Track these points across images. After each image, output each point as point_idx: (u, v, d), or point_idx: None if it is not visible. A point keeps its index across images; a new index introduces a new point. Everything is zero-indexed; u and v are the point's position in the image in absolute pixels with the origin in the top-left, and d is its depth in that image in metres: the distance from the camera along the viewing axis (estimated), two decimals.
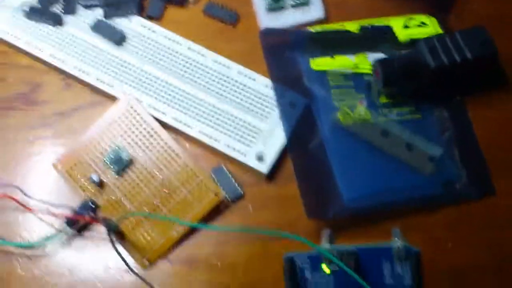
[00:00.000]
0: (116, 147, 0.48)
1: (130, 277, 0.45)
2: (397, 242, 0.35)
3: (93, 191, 0.47)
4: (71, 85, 0.53)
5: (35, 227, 0.47)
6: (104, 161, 0.47)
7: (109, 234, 0.44)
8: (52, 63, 0.51)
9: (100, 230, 0.47)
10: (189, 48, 0.52)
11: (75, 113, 0.51)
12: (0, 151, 0.50)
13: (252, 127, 0.49)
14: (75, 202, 0.46)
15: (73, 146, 0.48)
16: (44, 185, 0.48)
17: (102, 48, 0.52)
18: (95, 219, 0.45)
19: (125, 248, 0.46)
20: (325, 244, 0.36)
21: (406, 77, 0.48)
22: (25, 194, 0.47)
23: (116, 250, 0.44)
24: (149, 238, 0.46)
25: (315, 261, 0.38)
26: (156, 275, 0.45)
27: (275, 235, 0.37)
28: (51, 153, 0.49)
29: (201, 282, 0.45)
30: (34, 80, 0.52)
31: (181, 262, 0.46)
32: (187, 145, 0.49)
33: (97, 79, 0.51)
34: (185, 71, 0.51)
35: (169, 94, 0.50)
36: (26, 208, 0.46)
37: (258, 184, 0.49)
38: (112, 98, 0.50)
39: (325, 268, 0.37)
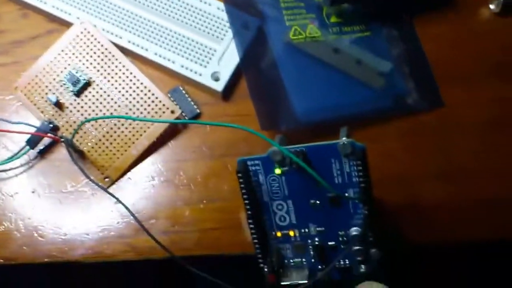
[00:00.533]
0: (73, 69, 0.49)
1: (92, 195, 0.48)
2: (342, 139, 0.36)
3: (52, 113, 0.48)
4: (28, 15, 0.53)
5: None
6: (62, 82, 0.49)
7: (68, 150, 0.46)
8: None
9: (61, 152, 0.48)
10: None
11: (33, 41, 0.52)
12: None
13: (207, 48, 0.51)
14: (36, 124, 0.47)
15: (31, 70, 0.49)
16: (5, 109, 0.50)
17: None
18: (54, 136, 0.47)
19: (85, 167, 0.47)
20: (274, 148, 0.37)
21: None
22: None
23: (77, 165, 0.45)
24: (109, 156, 0.48)
25: (268, 164, 0.39)
26: (117, 192, 0.47)
27: (239, 128, 0.39)
28: (11, 80, 0.50)
29: (163, 196, 0.47)
30: None
31: (141, 179, 0.48)
32: (144, 68, 0.50)
33: (53, 7, 0.52)
34: None
35: (124, 19, 0.52)
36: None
37: (215, 103, 0.50)
38: (69, 25, 0.51)
39: (276, 170, 0.38)
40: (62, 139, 0.46)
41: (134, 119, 0.47)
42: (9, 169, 0.48)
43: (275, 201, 0.40)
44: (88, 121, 0.47)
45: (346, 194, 0.38)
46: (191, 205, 0.47)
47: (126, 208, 0.44)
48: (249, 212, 0.39)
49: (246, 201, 0.38)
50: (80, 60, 0.49)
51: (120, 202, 0.44)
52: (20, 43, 0.52)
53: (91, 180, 0.45)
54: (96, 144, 0.48)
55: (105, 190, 0.45)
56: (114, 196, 0.45)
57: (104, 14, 0.51)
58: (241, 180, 0.38)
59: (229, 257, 0.46)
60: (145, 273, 0.57)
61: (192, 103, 0.50)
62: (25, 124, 0.47)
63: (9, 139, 0.48)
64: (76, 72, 0.49)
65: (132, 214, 0.44)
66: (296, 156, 0.36)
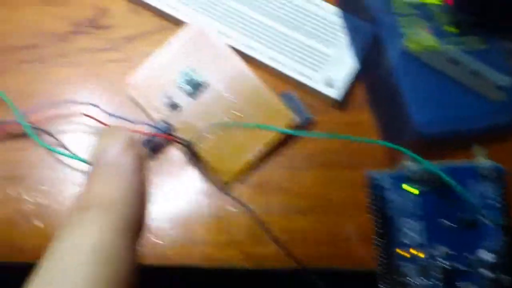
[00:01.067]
0: (189, 69, 0.48)
1: (207, 198, 0.47)
2: (482, 160, 0.35)
3: (166, 113, 0.48)
4: (137, 11, 0.53)
5: None
6: (177, 83, 0.48)
7: (188, 153, 0.46)
8: None
9: (173, 153, 0.48)
10: None
11: (143, 38, 0.52)
12: (72, 72, 0.51)
13: (320, 53, 0.50)
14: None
15: (144, 68, 0.49)
16: (118, 106, 0.49)
17: None
18: (174, 138, 0.46)
19: (200, 170, 0.47)
20: (410, 164, 0.36)
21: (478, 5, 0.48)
22: (104, 112, 0.47)
23: (196, 167, 0.46)
24: (225, 160, 0.47)
25: (398, 181, 0.38)
26: (230, 200, 0.45)
27: (372, 143, 0.36)
28: (122, 75, 0.50)
29: (279, 204, 0.46)
30: (99, 5, 0.53)
31: (256, 185, 0.47)
32: (255, 71, 0.49)
33: (163, 3, 0.51)
34: None
35: (237, 20, 0.51)
36: (104, 124, 0.46)
37: (328, 111, 0.50)
38: (180, 23, 0.51)
39: (410, 188, 0.38)
40: (185, 143, 0.45)
41: (260, 127, 0.47)
42: None
43: (405, 219, 0.39)
44: (216, 125, 0.47)
45: (482, 217, 0.37)
46: (302, 215, 0.47)
47: (249, 210, 0.44)
48: (378, 229, 0.39)
49: (376, 218, 0.38)
50: (194, 61, 0.49)
51: (244, 205, 0.44)
52: (131, 39, 0.52)
53: (211, 182, 0.46)
54: (212, 147, 0.47)
55: (228, 194, 0.45)
56: (238, 200, 0.45)
57: (217, 15, 0.51)
58: (372, 196, 0.38)
59: (338, 272, 0.45)
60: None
61: (305, 109, 0.49)
62: (141, 123, 0.46)
63: None
64: (191, 73, 0.48)
65: (259, 220, 0.44)
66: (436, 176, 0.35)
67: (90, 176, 0.28)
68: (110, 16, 0.53)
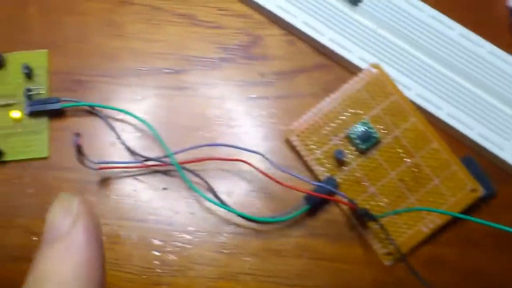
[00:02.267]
0: (365, 122, 0.44)
1: (371, 272, 0.42)
2: None
3: (330, 166, 0.43)
4: (294, 43, 0.48)
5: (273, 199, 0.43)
6: (348, 135, 0.43)
7: (358, 220, 0.42)
8: (278, 14, 0.47)
9: (333, 211, 0.44)
10: (432, 17, 0.48)
11: (299, 75, 0.47)
12: (217, 105, 0.47)
13: None
14: (303, 174, 0.43)
15: (308, 113, 0.44)
16: (273, 153, 0.44)
17: (337, 6, 0.47)
18: (343, 201, 0.42)
19: (367, 237, 0.43)
20: None
21: None
22: (266, 159, 0.42)
23: (363, 233, 0.42)
24: (393, 230, 0.42)
25: None
26: (395, 273, 0.42)
27: None
28: (276, 117, 0.46)
29: (449, 284, 0.42)
30: (252, 32, 0.48)
31: (423, 262, 0.43)
32: (435, 130, 0.44)
33: (330, 40, 0.46)
34: (429, 42, 0.46)
35: (411, 66, 0.46)
36: (266, 175, 0.41)
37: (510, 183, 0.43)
38: (341, 63, 0.46)
39: None
40: (360, 211, 0.41)
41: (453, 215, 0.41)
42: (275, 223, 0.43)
43: None
44: (418, 210, 0.43)
45: None
46: None
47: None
48: None
49: None
50: (369, 112, 0.44)
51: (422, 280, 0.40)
52: (283, 74, 0.47)
53: (377, 252, 0.42)
54: (379, 211, 0.43)
55: (417, 276, 0.40)
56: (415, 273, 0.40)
57: (387, 56, 0.46)
58: None
59: None
60: None
61: (488, 180, 0.43)
62: (307, 180, 0.42)
63: (286, 191, 0.43)
64: (368, 126, 0.43)
65: None
66: None
67: (39, 253, 0.27)
68: (263, 46, 0.48)
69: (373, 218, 0.40)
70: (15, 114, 0.44)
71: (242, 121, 0.45)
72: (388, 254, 0.42)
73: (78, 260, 0.27)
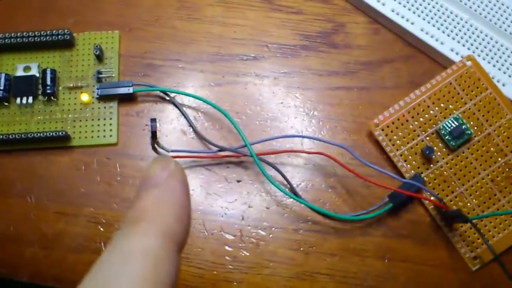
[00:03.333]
0: (457, 117, 0.41)
1: (456, 277, 0.40)
2: None
3: (416, 163, 0.41)
4: (379, 32, 0.46)
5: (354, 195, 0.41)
6: (438, 131, 0.41)
7: (447, 224, 0.40)
8: (364, 0, 0.45)
9: (417, 211, 0.41)
10: None
11: (384, 66, 0.45)
12: (300, 93, 0.45)
13: None
14: (387, 170, 0.40)
15: (394, 106, 0.42)
16: (354, 146, 0.42)
17: None
18: (441, 203, 0.39)
19: (452, 239, 0.40)
20: None
21: None
22: (350, 153, 0.40)
23: (448, 235, 0.40)
24: (482, 229, 0.40)
25: None
26: (482, 279, 0.39)
27: None
28: (357, 108, 0.44)
29: None
30: (335, 19, 0.46)
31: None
32: None
33: (421, 30, 0.44)
34: None
35: (506, 61, 0.44)
36: (349, 170, 0.39)
37: None
38: (430, 55, 0.44)
39: None
40: (452, 212, 0.39)
41: None
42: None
43: None
44: (499, 214, 0.40)
45: None
46: None
47: None
48: None
49: None
50: (460, 107, 0.42)
51: None
52: (367, 64, 0.45)
53: (465, 257, 0.39)
54: (469, 211, 0.40)
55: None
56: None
57: (486, 52, 0.44)
58: None
59: None
60: None
61: None
62: (389, 175, 0.39)
63: (367, 188, 0.41)
64: (461, 122, 0.41)
65: None
66: None
67: (139, 194, 0.28)
68: (346, 34, 0.46)
69: (466, 220, 0.38)
70: (84, 97, 0.42)
71: (322, 113, 0.43)
72: (475, 258, 0.40)
73: (173, 201, 0.28)
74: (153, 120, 0.36)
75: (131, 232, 0.26)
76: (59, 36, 0.43)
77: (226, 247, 0.39)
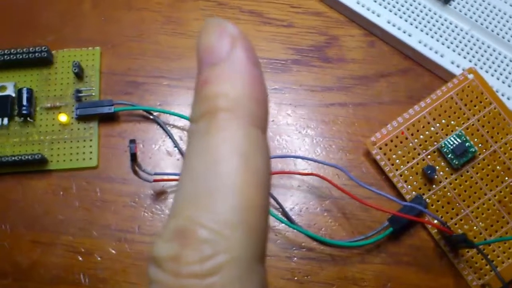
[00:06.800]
0: (460, 134, 0.39)
1: None
2: None
3: (417, 184, 0.39)
4: (375, 44, 0.44)
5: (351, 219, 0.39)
6: (440, 149, 0.40)
7: (452, 249, 0.38)
8: (358, 12, 0.43)
9: (419, 235, 0.39)
10: None
11: (380, 80, 0.43)
12: (292, 111, 0.43)
13: None
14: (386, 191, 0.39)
15: (392, 122, 0.40)
16: (350, 166, 0.41)
17: (425, 4, 0.43)
18: (445, 227, 0.37)
19: (457, 266, 0.38)
20: None
21: None
22: (346, 174, 0.38)
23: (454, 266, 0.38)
24: (489, 255, 0.38)
25: None
26: None
27: None
28: (353, 125, 0.42)
29: None
30: (328, 32, 0.45)
31: None
32: None
33: (419, 42, 0.43)
34: None
35: (510, 73, 0.42)
36: (346, 192, 0.37)
37: None
38: (432, 68, 0.43)
39: None
40: (456, 236, 0.37)
41: None
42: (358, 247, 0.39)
43: None
44: (508, 239, 0.38)
45: None
46: None
47: None
48: None
49: None
50: (462, 123, 0.40)
51: None
52: (362, 79, 0.44)
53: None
54: (475, 235, 0.38)
55: None
56: None
57: (488, 65, 0.43)
58: None
59: None
60: None
61: None
62: (388, 197, 0.37)
63: (365, 211, 0.39)
64: (464, 139, 0.39)
65: None
66: None
67: (203, 74, 0.24)
68: (340, 47, 0.44)
69: (472, 246, 0.36)
70: (62, 117, 0.41)
71: (316, 131, 0.41)
72: (483, 286, 0.38)
73: (247, 79, 0.25)
74: (132, 141, 0.35)
75: (211, 128, 0.23)
76: (37, 54, 0.41)
77: None
